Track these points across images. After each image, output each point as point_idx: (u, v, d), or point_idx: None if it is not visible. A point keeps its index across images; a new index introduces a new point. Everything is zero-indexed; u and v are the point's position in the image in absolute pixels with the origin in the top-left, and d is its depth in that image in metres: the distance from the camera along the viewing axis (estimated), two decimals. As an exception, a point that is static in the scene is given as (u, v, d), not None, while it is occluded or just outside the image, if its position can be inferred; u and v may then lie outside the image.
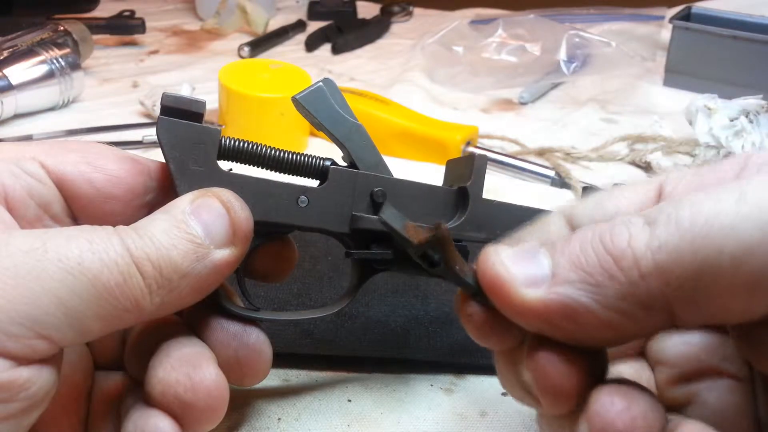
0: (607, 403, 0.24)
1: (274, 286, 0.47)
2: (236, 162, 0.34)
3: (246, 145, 0.34)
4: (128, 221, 0.30)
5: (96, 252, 0.26)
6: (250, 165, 0.35)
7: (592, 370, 0.26)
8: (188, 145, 0.32)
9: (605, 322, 0.24)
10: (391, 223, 0.29)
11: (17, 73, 0.72)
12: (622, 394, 0.24)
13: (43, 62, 0.74)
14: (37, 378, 0.26)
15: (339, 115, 0.35)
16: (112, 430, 0.33)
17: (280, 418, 0.39)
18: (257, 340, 0.34)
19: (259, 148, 0.34)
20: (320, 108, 0.34)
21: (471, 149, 0.70)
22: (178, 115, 0.32)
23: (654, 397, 0.25)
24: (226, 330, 0.34)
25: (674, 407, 0.33)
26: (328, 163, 0.35)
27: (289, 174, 0.35)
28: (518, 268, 0.25)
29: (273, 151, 0.34)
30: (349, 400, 0.40)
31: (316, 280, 0.48)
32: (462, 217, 0.36)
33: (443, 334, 0.45)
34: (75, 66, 0.77)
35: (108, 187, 0.32)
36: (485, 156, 0.38)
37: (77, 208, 0.32)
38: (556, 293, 0.24)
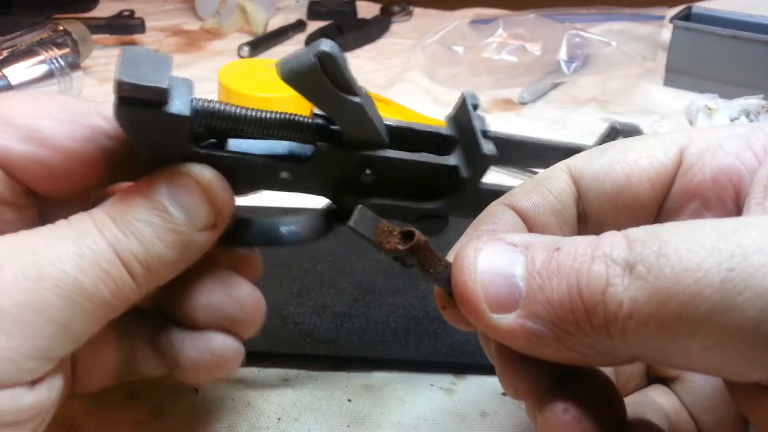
0: (560, 410, 0.25)
1: (273, 286, 0.47)
2: (213, 128, 0.31)
3: (223, 108, 0.30)
4: (92, 185, 0.30)
5: (89, 269, 0.26)
6: (229, 129, 0.31)
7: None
8: (155, 132, 0.29)
9: (568, 357, 0.23)
10: (361, 231, 0.26)
11: (17, 72, 0.72)
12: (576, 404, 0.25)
13: (42, 62, 0.74)
14: (53, 387, 0.28)
15: (333, 96, 0.30)
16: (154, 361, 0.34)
17: (280, 418, 0.39)
18: (248, 293, 0.33)
19: (240, 111, 0.30)
20: (310, 88, 0.30)
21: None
22: (138, 103, 0.27)
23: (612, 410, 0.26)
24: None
25: (662, 379, 0.33)
26: (319, 121, 0.32)
27: (275, 138, 0.32)
28: (490, 289, 0.24)
29: (256, 114, 0.31)
30: (349, 400, 0.40)
31: (316, 280, 0.48)
32: (453, 198, 0.35)
33: (443, 334, 0.45)
34: (74, 66, 0.77)
35: (62, 163, 0.29)
36: (494, 156, 0.34)
37: (32, 186, 0.30)
38: (522, 325, 0.23)
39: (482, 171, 0.35)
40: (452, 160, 0.35)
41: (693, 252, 0.20)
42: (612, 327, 0.21)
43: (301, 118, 0.32)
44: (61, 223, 0.28)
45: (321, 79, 0.29)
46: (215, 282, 0.32)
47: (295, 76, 0.29)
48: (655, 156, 0.29)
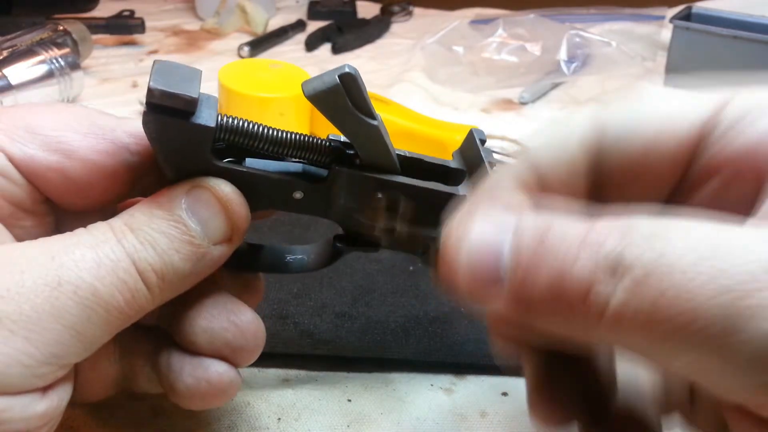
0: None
1: (273, 286, 0.47)
2: (234, 144, 0.32)
3: (245, 125, 0.31)
4: (109, 199, 0.30)
5: (105, 276, 0.26)
6: (249, 146, 0.32)
7: None
8: (178, 142, 0.29)
9: (552, 333, 0.23)
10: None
11: (17, 72, 0.72)
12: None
13: (42, 62, 0.74)
14: (63, 395, 0.28)
15: (352, 117, 0.31)
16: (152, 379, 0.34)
17: (279, 418, 0.39)
18: (249, 320, 0.33)
19: (260, 129, 0.31)
20: (332, 108, 0.30)
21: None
22: (166, 111, 0.28)
23: None
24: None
25: None
26: (336, 144, 0.33)
27: (292, 157, 0.33)
28: (475, 272, 0.22)
29: (275, 133, 0.32)
30: (349, 400, 0.40)
31: (316, 281, 0.48)
32: None
33: (443, 334, 0.45)
34: (74, 66, 0.77)
35: (84, 175, 0.30)
36: None
37: (52, 196, 0.30)
38: (504, 305, 0.22)
39: None
40: (461, 190, 0.36)
41: (698, 271, 0.19)
42: (593, 326, 0.21)
43: (319, 140, 0.33)
44: (79, 231, 0.28)
45: (343, 98, 0.30)
46: (218, 307, 0.32)
47: (319, 95, 0.30)
48: (687, 115, 0.24)
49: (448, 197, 0.35)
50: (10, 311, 0.24)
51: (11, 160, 0.29)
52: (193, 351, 0.32)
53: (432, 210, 0.35)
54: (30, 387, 0.26)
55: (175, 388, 0.32)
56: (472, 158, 0.37)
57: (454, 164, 0.37)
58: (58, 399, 0.27)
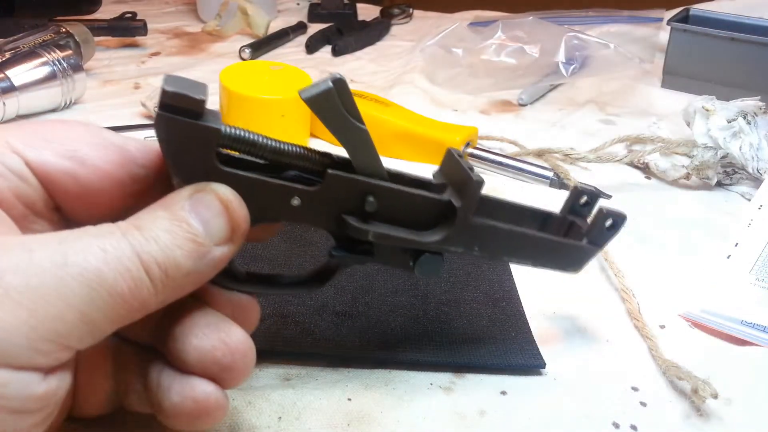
0: None
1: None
2: (236, 151, 0.34)
3: (247, 134, 0.33)
4: (115, 210, 0.32)
5: (110, 261, 0.27)
6: (249, 155, 0.34)
7: None
8: (187, 142, 0.31)
9: None
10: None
11: (19, 74, 0.73)
12: None
13: (45, 64, 0.75)
14: (63, 383, 0.28)
15: (344, 119, 0.34)
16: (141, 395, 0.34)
17: (280, 417, 0.39)
18: (240, 340, 0.34)
19: (260, 138, 0.34)
20: (326, 110, 0.33)
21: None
22: (178, 111, 0.31)
23: None
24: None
25: None
26: (329, 154, 0.36)
27: (289, 167, 0.35)
28: None
29: (274, 143, 0.34)
30: (349, 399, 0.41)
31: (317, 280, 0.48)
32: (449, 230, 0.37)
33: (443, 333, 0.45)
34: (77, 67, 0.77)
35: (94, 182, 0.32)
36: (482, 182, 0.37)
37: (63, 203, 0.32)
38: None
39: (473, 198, 0.37)
40: (445, 196, 0.38)
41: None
42: None
43: (315, 151, 0.35)
44: (87, 227, 0.29)
45: (335, 101, 0.33)
46: (210, 326, 0.32)
47: (314, 98, 0.33)
48: None
49: (434, 203, 0.37)
50: (16, 283, 0.25)
51: (27, 163, 0.31)
52: (183, 369, 0.32)
53: (418, 215, 0.37)
54: (32, 362, 0.26)
55: (162, 405, 0.32)
56: (452, 169, 0.39)
57: (435, 180, 0.39)
58: (57, 385, 0.28)
